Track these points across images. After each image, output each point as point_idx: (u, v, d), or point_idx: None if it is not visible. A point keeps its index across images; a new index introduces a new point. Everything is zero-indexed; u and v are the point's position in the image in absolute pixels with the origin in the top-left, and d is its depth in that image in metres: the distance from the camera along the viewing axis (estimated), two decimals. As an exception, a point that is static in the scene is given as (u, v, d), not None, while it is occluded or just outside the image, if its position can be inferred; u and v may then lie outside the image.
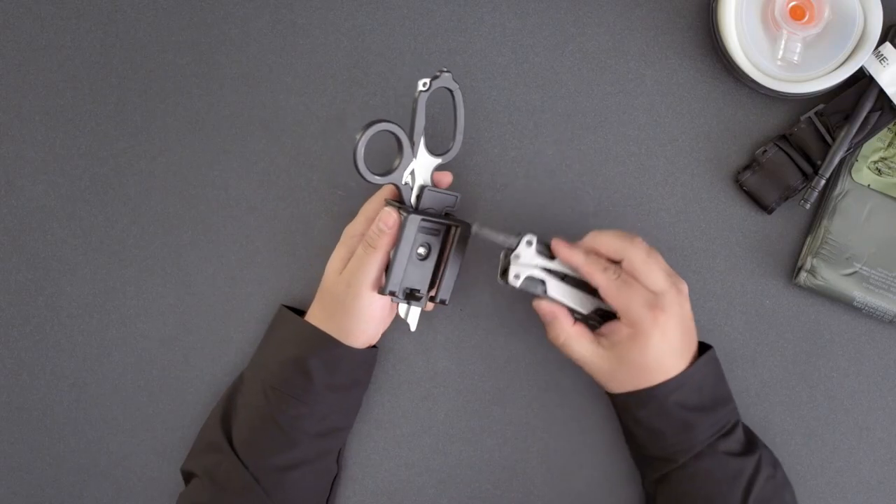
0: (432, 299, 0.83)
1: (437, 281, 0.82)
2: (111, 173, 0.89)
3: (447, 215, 0.82)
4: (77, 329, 0.88)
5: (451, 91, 0.80)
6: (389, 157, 0.80)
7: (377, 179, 0.78)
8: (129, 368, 0.88)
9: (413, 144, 0.79)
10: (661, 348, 0.77)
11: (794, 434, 0.88)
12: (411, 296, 0.81)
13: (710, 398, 0.80)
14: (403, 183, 0.80)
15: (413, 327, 0.83)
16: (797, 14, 0.84)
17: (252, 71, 0.89)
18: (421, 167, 0.80)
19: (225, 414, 0.83)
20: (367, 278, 0.80)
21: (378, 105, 0.89)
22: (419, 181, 0.80)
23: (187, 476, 0.84)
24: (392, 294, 0.80)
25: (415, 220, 0.79)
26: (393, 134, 0.78)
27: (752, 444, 0.82)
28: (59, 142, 0.89)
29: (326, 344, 0.82)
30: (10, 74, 0.89)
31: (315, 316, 0.83)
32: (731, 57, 0.85)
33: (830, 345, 0.88)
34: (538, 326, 0.85)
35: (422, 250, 0.81)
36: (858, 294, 0.85)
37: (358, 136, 0.75)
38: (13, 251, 0.89)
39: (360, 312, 0.81)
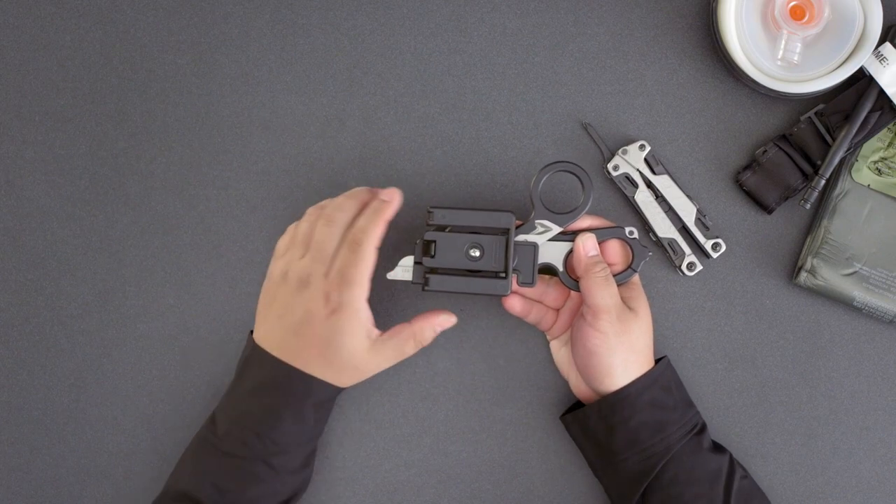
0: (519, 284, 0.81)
1: (508, 261, 0.80)
2: (111, 173, 0.89)
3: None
4: (77, 329, 0.88)
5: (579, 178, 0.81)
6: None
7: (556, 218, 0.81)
8: (129, 368, 0.88)
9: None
10: (638, 341, 0.81)
11: (794, 434, 0.88)
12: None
13: (679, 399, 0.82)
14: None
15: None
16: (797, 14, 0.84)
17: (252, 71, 0.89)
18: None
19: (196, 465, 0.79)
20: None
21: (378, 105, 0.89)
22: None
23: None
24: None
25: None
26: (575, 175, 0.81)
27: (719, 445, 0.84)
28: (59, 142, 0.89)
29: (325, 393, 0.79)
30: (10, 74, 0.89)
31: (274, 343, 0.78)
32: (731, 57, 0.85)
33: (830, 345, 0.88)
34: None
35: (475, 252, 0.80)
36: (858, 294, 0.85)
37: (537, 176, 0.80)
38: (13, 251, 0.89)
39: (363, 344, 0.78)
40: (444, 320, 0.81)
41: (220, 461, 0.78)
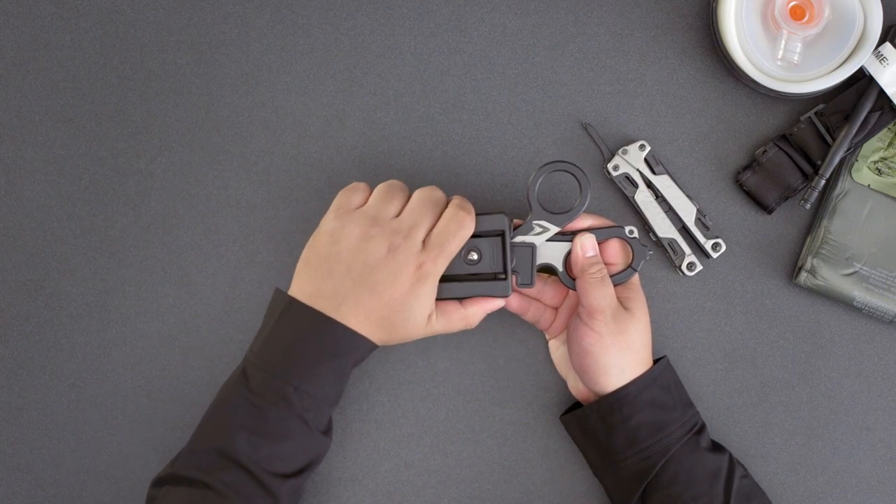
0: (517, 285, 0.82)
1: (506, 263, 0.81)
2: (111, 173, 0.89)
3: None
4: (77, 329, 0.88)
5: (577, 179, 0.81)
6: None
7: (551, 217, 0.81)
8: (129, 368, 0.88)
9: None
10: (636, 341, 0.81)
11: (794, 434, 0.88)
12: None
13: (678, 399, 0.82)
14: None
15: None
16: (797, 14, 0.84)
17: (252, 71, 0.89)
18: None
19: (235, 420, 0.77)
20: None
21: (378, 105, 0.89)
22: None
23: (182, 481, 0.77)
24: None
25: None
26: (573, 175, 0.81)
27: (719, 445, 0.84)
28: (59, 142, 0.89)
29: (366, 349, 0.78)
30: (10, 74, 0.89)
31: (331, 299, 0.76)
32: (731, 57, 0.85)
33: (830, 345, 0.88)
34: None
35: (474, 256, 0.80)
36: (858, 294, 0.85)
37: (535, 175, 0.80)
38: (13, 251, 0.89)
39: (425, 314, 0.78)
40: (494, 304, 0.81)
41: (254, 414, 0.76)
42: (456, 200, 0.79)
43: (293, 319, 0.77)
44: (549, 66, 0.89)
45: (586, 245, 0.81)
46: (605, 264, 0.82)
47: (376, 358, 0.88)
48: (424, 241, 0.77)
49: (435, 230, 0.78)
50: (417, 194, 0.79)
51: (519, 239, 0.81)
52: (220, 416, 0.78)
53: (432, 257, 0.77)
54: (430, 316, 0.78)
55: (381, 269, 0.76)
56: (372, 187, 0.80)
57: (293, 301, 0.77)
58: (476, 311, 0.80)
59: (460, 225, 0.78)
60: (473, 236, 0.80)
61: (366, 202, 0.79)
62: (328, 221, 0.79)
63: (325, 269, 0.77)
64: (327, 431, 0.79)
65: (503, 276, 0.80)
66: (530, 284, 0.81)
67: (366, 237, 0.77)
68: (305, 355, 0.76)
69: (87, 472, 0.88)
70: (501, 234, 0.80)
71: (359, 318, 0.77)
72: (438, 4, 0.89)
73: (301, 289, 0.78)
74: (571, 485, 0.88)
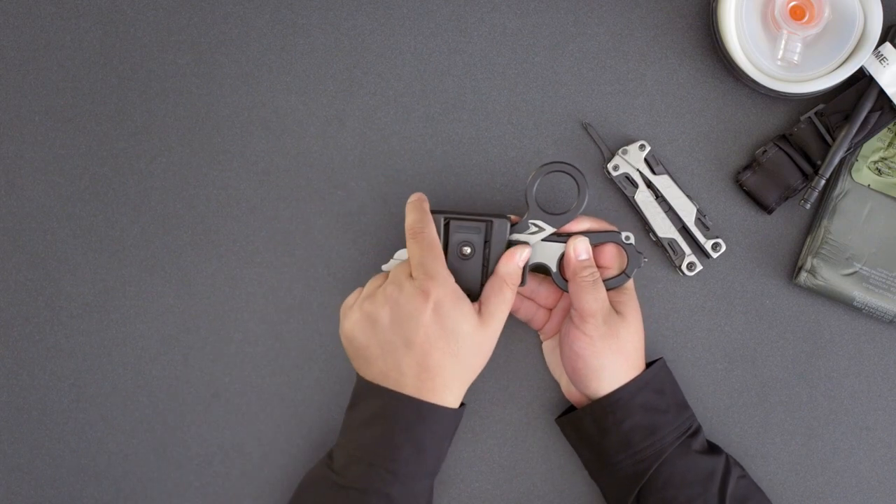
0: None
1: (484, 277, 0.81)
2: (111, 173, 0.89)
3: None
4: (77, 329, 0.88)
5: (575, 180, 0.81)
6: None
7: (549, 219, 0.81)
8: (129, 368, 0.88)
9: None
10: (629, 343, 0.81)
11: (794, 434, 0.88)
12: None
13: (672, 402, 0.82)
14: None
15: None
16: (797, 14, 0.84)
17: (252, 71, 0.89)
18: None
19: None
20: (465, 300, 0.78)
21: (378, 105, 0.89)
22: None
23: None
24: None
25: (436, 218, 0.80)
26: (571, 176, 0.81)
27: (715, 446, 0.84)
28: (59, 142, 0.89)
29: (435, 414, 0.78)
30: (10, 74, 0.89)
31: (390, 377, 0.78)
32: (731, 57, 0.85)
33: (830, 345, 0.88)
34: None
35: (467, 250, 0.81)
36: (858, 294, 0.85)
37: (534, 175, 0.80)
38: (13, 251, 0.89)
39: (474, 326, 0.78)
40: (524, 254, 0.80)
41: (338, 494, 0.77)
42: (407, 233, 0.79)
43: (364, 399, 0.79)
44: (549, 66, 0.89)
45: (579, 248, 0.81)
46: (599, 268, 0.82)
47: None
48: (412, 278, 0.78)
49: (411, 264, 0.78)
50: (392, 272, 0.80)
51: (514, 237, 0.81)
52: (310, 498, 0.79)
53: (423, 282, 0.77)
54: (481, 318, 0.78)
55: (398, 326, 0.77)
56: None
57: (361, 380, 0.79)
58: (509, 268, 0.80)
59: (418, 241, 0.78)
60: (471, 233, 0.80)
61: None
62: (343, 324, 0.80)
63: (368, 356, 0.78)
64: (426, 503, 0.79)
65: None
66: (521, 283, 0.81)
67: (368, 314, 0.78)
68: (378, 432, 0.77)
69: (87, 472, 0.88)
70: (502, 234, 0.80)
71: (421, 385, 0.77)
72: (438, 4, 0.89)
73: (374, 375, 0.79)
74: (571, 485, 0.88)
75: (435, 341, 0.76)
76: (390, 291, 0.77)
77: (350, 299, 0.81)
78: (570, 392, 0.85)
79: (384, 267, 0.81)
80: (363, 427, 0.78)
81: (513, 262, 0.80)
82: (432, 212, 0.80)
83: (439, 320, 0.76)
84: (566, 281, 0.81)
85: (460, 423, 0.84)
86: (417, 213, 0.79)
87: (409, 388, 0.77)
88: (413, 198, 0.81)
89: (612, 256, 0.82)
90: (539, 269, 0.83)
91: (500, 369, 0.88)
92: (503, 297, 0.79)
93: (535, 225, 0.81)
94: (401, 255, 0.81)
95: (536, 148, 0.89)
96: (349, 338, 0.79)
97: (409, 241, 0.79)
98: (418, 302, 0.76)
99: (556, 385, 0.88)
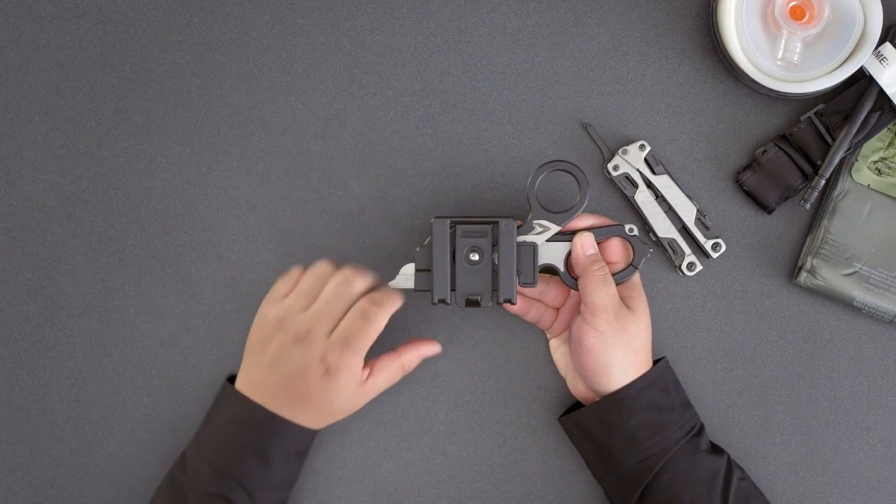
0: (500, 302, 0.81)
1: (496, 282, 0.81)
2: (111, 173, 0.89)
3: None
4: (77, 329, 0.88)
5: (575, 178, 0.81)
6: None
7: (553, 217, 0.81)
8: (129, 368, 0.88)
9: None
10: (637, 339, 0.81)
11: (794, 434, 0.88)
12: (474, 303, 0.80)
13: (677, 400, 0.82)
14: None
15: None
16: (797, 14, 0.84)
17: (252, 71, 0.89)
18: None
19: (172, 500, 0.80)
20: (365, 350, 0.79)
21: (378, 105, 0.89)
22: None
23: None
24: (442, 301, 0.80)
25: (442, 224, 0.80)
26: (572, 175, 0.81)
27: (717, 447, 0.84)
28: (59, 142, 0.89)
29: (289, 431, 0.79)
30: (10, 74, 0.89)
31: (262, 389, 0.79)
32: (731, 57, 0.85)
33: (830, 345, 0.88)
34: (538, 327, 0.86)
35: (475, 257, 0.80)
36: (858, 294, 0.85)
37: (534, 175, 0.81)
38: (13, 251, 0.89)
39: (354, 395, 0.79)
40: (430, 349, 0.83)
41: (185, 497, 0.78)
42: (374, 295, 0.79)
43: (224, 405, 0.80)
44: (549, 66, 0.89)
45: (586, 243, 0.81)
46: (606, 263, 0.82)
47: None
48: (331, 336, 0.78)
49: (340, 326, 0.78)
50: (329, 287, 0.79)
51: (520, 239, 0.81)
52: (164, 499, 0.80)
53: (337, 352, 0.77)
54: (361, 389, 0.79)
55: (290, 364, 0.78)
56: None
57: (226, 387, 0.81)
58: (411, 356, 0.82)
59: (367, 321, 0.78)
60: (478, 237, 0.80)
61: (292, 290, 0.80)
62: (262, 308, 0.81)
63: (254, 359, 0.80)
64: None
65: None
66: (532, 284, 0.81)
67: (280, 330, 0.79)
68: (230, 441, 0.79)
69: (87, 472, 0.88)
70: (509, 237, 0.80)
71: (285, 407, 0.78)
72: (438, 4, 0.89)
73: (243, 375, 0.81)
74: (571, 485, 0.88)
75: (308, 398, 0.78)
76: (299, 336, 0.78)
77: (284, 287, 0.80)
78: (577, 388, 0.85)
79: (391, 284, 0.81)
80: (217, 433, 0.79)
81: (413, 363, 0.82)
82: (436, 217, 0.80)
83: (324, 386, 0.78)
84: (575, 279, 0.81)
85: (317, 444, 0.86)
86: (389, 295, 0.79)
87: (280, 408, 0.78)
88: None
89: (617, 250, 0.82)
90: (547, 270, 0.83)
91: (500, 369, 0.88)
92: (392, 378, 0.81)
93: (540, 225, 0.81)
94: (407, 270, 0.81)
95: (536, 148, 0.89)
96: (258, 329, 0.80)
97: (357, 313, 0.78)
98: (315, 362, 0.77)
99: (557, 385, 0.88)
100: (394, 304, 0.79)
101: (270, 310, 0.80)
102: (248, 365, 0.81)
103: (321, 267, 0.80)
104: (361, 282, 0.79)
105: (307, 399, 0.78)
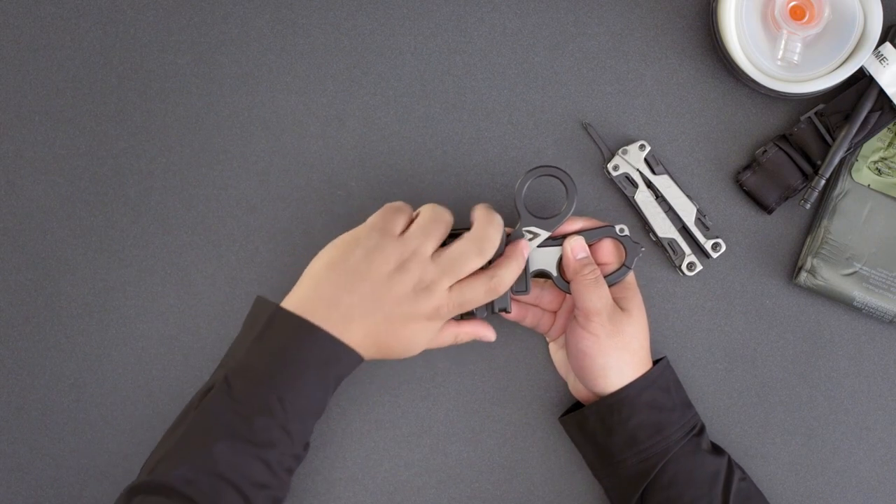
0: (495, 311, 0.81)
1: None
2: (111, 173, 0.89)
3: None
4: (77, 329, 0.88)
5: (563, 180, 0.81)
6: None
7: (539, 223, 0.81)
8: (129, 368, 0.88)
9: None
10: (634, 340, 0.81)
11: (794, 434, 0.88)
12: (469, 314, 0.81)
13: (678, 400, 0.82)
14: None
15: None
16: (797, 14, 0.84)
17: (252, 71, 0.89)
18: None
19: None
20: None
21: (378, 105, 0.89)
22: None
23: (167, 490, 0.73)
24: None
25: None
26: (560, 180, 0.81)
27: (718, 447, 0.84)
28: (59, 142, 0.89)
29: (353, 364, 0.77)
30: (10, 74, 0.89)
31: (349, 324, 0.76)
32: (731, 57, 0.85)
33: (830, 345, 0.88)
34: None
35: None
36: (858, 294, 0.85)
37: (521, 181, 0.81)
38: (13, 251, 0.89)
39: (428, 343, 0.79)
40: (486, 333, 0.82)
41: (237, 422, 0.74)
42: (498, 271, 0.78)
43: (280, 328, 0.76)
44: (549, 66, 0.89)
45: (576, 247, 0.81)
46: (599, 265, 0.82)
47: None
48: (451, 288, 0.77)
49: (463, 287, 0.77)
50: (464, 245, 0.78)
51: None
52: (199, 423, 0.75)
53: (451, 305, 0.77)
54: (431, 337, 0.79)
55: (402, 304, 0.76)
56: (415, 207, 0.80)
57: (280, 310, 0.76)
58: (468, 331, 0.81)
59: (490, 292, 0.78)
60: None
61: (407, 228, 0.78)
62: (368, 236, 0.77)
63: (349, 282, 0.76)
64: (307, 446, 0.78)
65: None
66: (525, 291, 0.81)
67: (400, 269, 0.76)
68: (292, 365, 0.75)
69: (87, 472, 0.88)
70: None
71: (360, 337, 0.76)
72: (438, 4, 0.89)
73: (317, 290, 0.77)
74: (571, 485, 0.88)
75: (399, 332, 0.77)
76: (424, 280, 0.76)
77: (399, 222, 0.78)
78: (578, 389, 0.85)
79: None
80: (275, 357, 0.75)
81: (468, 337, 0.82)
82: None
83: (421, 329, 0.77)
84: (568, 283, 0.81)
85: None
86: (512, 274, 0.79)
87: (345, 331, 0.76)
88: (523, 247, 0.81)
89: (609, 252, 0.82)
90: (540, 275, 0.83)
91: (500, 369, 0.88)
92: (446, 341, 0.80)
93: (530, 232, 0.81)
94: None
95: (536, 148, 0.89)
96: (366, 258, 0.77)
97: (484, 285, 0.78)
98: (429, 310, 0.76)
99: (557, 385, 0.88)
100: (513, 278, 0.79)
101: (387, 244, 0.77)
102: (335, 284, 0.76)
103: (436, 211, 0.79)
104: (494, 248, 0.78)
105: (396, 334, 0.77)
